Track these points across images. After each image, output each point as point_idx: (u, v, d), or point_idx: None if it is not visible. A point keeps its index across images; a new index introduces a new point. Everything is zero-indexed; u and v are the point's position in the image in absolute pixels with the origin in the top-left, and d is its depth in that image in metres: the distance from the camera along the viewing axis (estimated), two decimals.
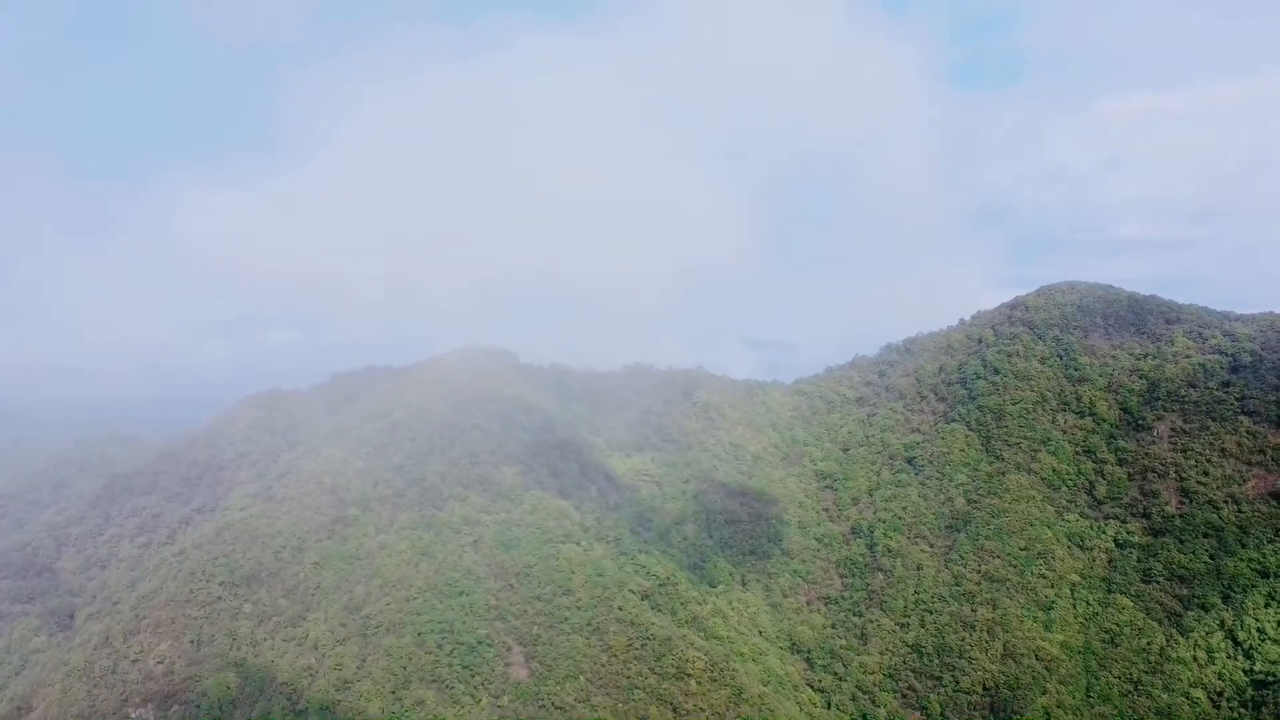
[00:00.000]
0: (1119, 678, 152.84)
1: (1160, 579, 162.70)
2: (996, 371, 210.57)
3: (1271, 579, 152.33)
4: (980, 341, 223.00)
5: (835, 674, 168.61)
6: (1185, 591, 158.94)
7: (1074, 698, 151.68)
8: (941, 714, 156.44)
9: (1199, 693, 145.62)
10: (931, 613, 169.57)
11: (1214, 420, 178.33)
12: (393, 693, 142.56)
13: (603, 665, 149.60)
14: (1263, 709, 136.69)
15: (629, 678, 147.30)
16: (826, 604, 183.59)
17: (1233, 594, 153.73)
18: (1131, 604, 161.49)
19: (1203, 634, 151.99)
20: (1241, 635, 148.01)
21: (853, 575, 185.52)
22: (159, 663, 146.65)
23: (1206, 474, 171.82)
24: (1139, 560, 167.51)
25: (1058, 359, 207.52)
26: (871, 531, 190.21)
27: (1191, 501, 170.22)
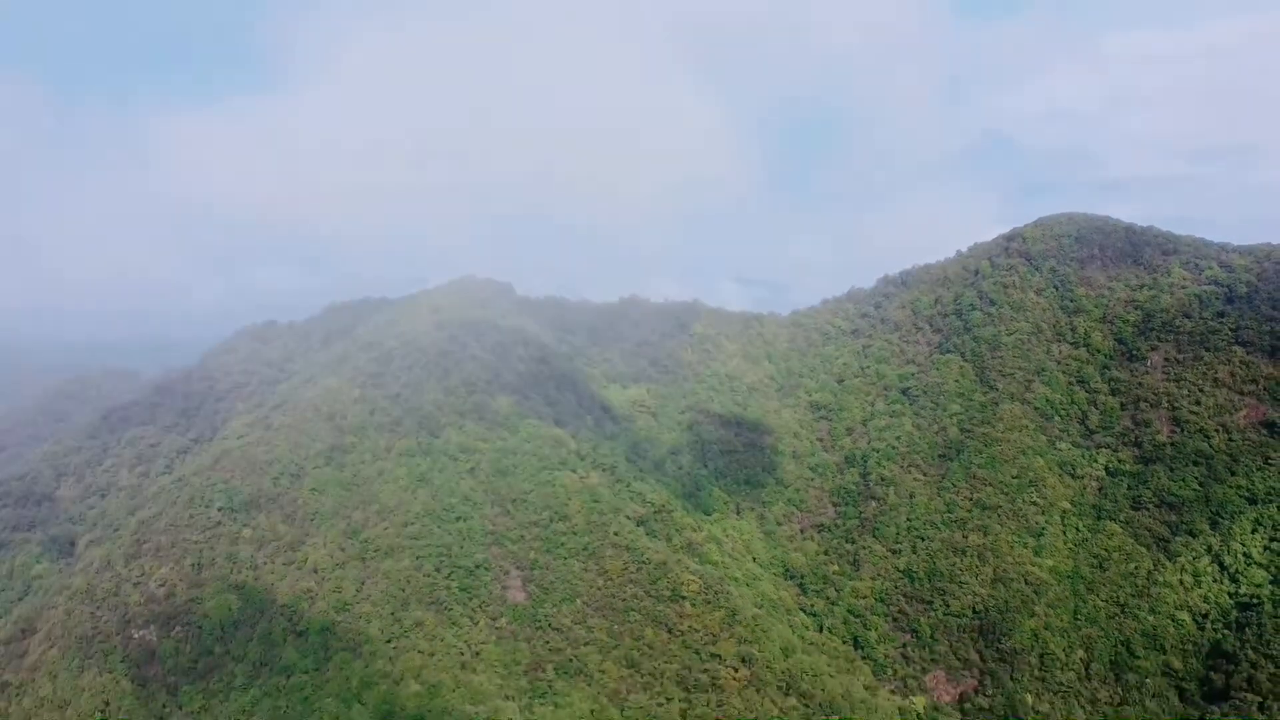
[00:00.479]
0: (1106, 601, 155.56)
1: (1150, 506, 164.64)
2: (992, 303, 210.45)
3: (1259, 505, 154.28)
4: (977, 273, 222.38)
5: (827, 599, 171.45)
6: (1174, 518, 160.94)
7: (1062, 620, 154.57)
8: (931, 636, 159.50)
9: (1184, 615, 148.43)
10: (923, 539, 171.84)
11: (1208, 350, 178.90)
12: (392, 614, 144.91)
13: (599, 588, 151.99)
14: (1246, 630, 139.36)
15: (624, 600, 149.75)
16: (820, 531, 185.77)
17: (1220, 520, 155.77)
18: (1120, 530, 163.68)
19: (1190, 559, 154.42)
20: (1228, 560, 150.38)
21: (846, 504, 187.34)
22: (160, 585, 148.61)
23: (1199, 403, 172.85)
24: (1129, 487, 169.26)
25: (1054, 290, 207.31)
26: (865, 461, 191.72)
27: (1183, 430, 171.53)
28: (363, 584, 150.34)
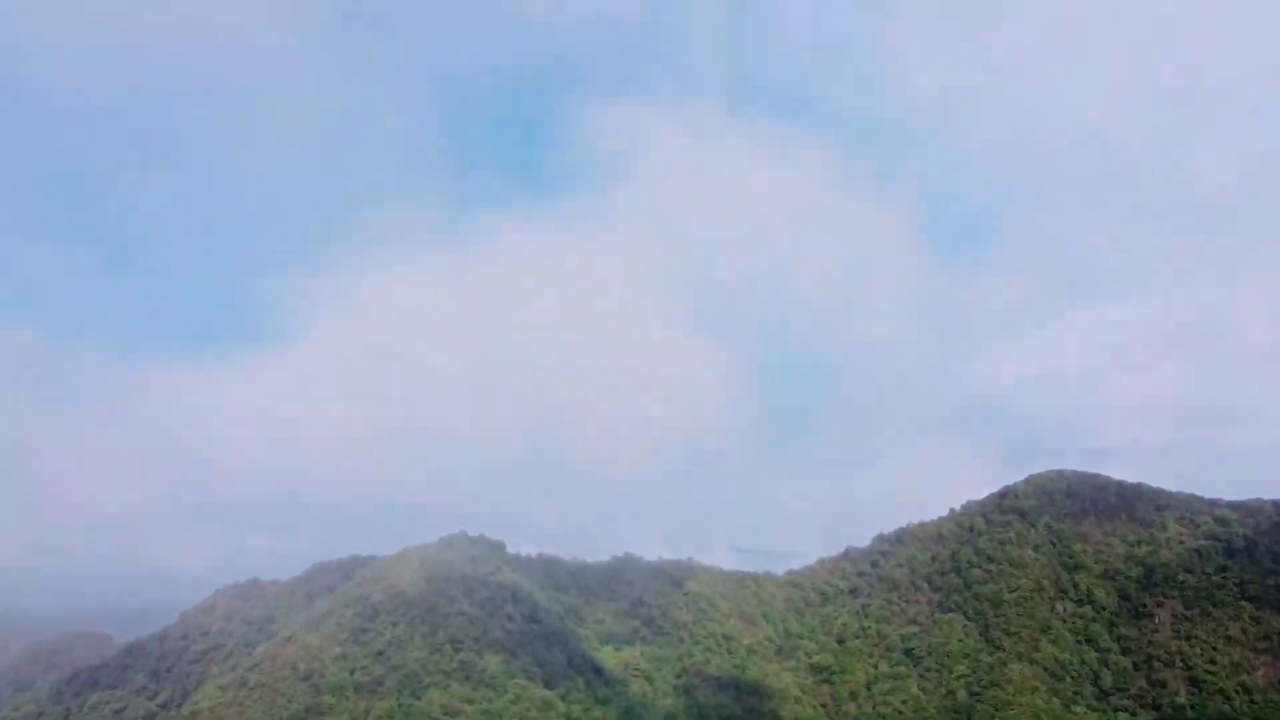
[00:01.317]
0: None
1: None
2: (990, 559, 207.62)
3: None
4: (972, 530, 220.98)
5: None
6: None
7: None
8: None
9: None
10: None
11: (1215, 606, 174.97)
12: None
13: None
14: None
15: None
16: None
17: None
18: None
19: None
20: None
21: None
22: None
23: (1214, 662, 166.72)
24: None
25: (1051, 546, 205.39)
26: None
27: (1201, 690, 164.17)
28: None
